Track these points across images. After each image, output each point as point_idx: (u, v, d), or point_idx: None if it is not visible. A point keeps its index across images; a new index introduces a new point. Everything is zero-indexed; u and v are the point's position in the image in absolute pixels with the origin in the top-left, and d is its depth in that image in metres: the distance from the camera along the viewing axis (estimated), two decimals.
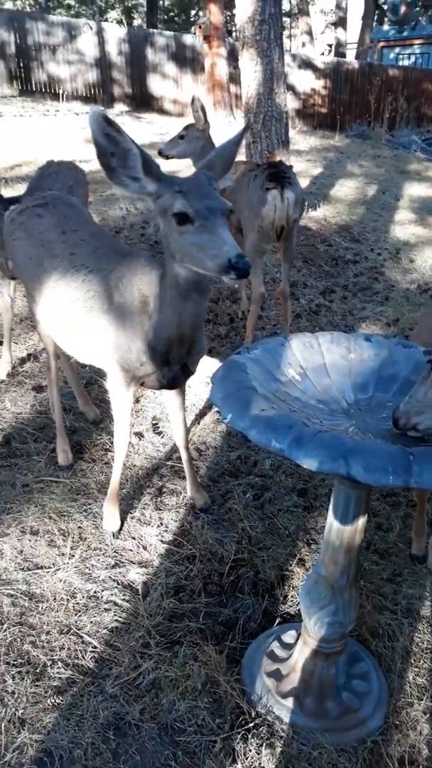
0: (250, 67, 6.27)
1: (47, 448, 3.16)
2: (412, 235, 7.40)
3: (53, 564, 2.51)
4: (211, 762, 1.85)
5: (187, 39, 17.96)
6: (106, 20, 27.40)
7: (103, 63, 17.25)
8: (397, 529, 2.83)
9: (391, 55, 28.87)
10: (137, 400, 3.62)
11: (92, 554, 2.58)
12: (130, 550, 2.63)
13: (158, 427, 3.45)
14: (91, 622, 2.28)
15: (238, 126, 11.69)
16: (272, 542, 2.69)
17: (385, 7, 30.45)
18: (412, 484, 1.36)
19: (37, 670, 2.09)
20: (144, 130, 12.22)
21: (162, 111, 17.35)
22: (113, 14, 30.31)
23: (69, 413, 3.43)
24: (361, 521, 1.83)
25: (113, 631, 2.25)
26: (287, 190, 3.86)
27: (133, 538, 2.68)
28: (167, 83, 17.81)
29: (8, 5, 28.06)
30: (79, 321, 2.48)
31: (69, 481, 2.97)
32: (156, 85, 17.81)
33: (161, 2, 28.08)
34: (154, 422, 3.49)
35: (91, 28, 17.26)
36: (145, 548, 2.64)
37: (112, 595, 2.39)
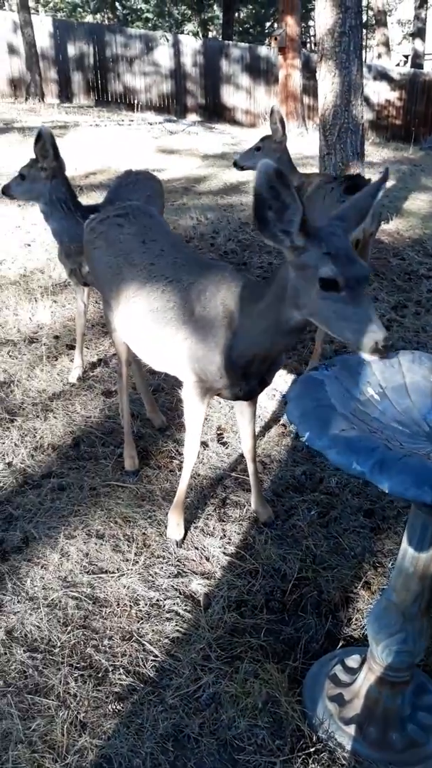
0: (328, 78, 6.23)
1: (114, 453, 3.21)
2: None
3: (117, 569, 2.53)
4: None
5: (262, 50, 18.10)
6: (183, 32, 27.86)
7: (177, 74, 17.60)
8: None
9: None
10: None
11: (155, 561, 2.59)
12: (193, 560, 2.62)
13: (223, 437, 3.45)
14: (153, 630, 2.28)
15: (311, 137, 11.63)
16: (337, 562, 2.63)
17: None
18: None
19: (99, 675, 2.11)
20: (215, 140, 12.35)
21: (234, 121, 17.53)
22: (189, 26, 30.79)
23: (136, 419, 3.47)
24: None
25: (174, 641, 2.25)
26: None
27: (196, 549, 2.68)
28: (240, 94, 17.99)
29: (88, 18, 28.98)
30: (158, 331, 2.50)
31: (135, 486, 3.00)
32: (229, 95, 18.02)
33: (237, 14, 28.34)
34: (218, 432, 3.49)
35: (167, 40, 17.64)
36: (207, 559, 2.63)
37: (174, 604, 2.39)
